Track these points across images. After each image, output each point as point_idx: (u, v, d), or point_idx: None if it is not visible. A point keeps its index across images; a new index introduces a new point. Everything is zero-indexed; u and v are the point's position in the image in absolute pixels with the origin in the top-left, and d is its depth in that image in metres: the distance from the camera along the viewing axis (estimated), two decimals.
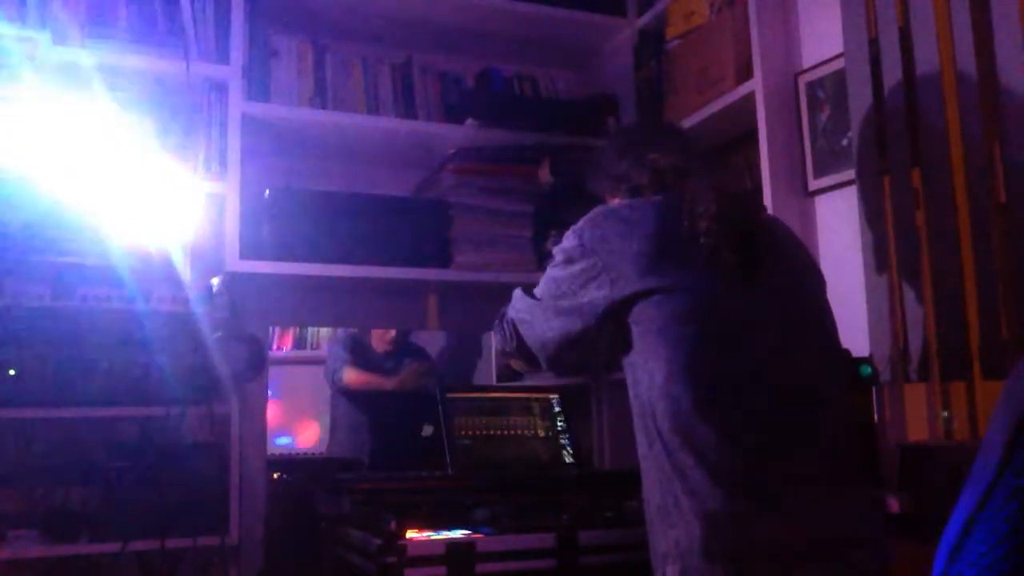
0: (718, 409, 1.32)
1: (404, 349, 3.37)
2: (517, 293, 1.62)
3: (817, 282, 1.55)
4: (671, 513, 1.33)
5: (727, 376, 1.34)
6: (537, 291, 1.56)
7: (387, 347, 3.35)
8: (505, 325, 1.63)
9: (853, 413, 1.53)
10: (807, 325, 1.46)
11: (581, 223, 1.52)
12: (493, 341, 1.72)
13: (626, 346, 1.44)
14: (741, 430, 1.31)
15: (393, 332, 3.33)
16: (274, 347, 3.74)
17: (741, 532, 1.28)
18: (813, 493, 1.33)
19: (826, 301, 1.54)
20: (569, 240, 1.51)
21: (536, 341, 1.55)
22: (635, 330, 1.41)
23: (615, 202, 1.62)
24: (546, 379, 2.84)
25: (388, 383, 3.32)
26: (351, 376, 3.38)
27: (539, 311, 1.53)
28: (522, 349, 1.59)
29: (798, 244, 1.57)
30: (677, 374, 1.33)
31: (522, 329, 1.58)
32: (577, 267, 1.47)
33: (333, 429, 3.44)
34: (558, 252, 1.54)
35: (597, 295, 1.43)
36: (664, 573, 1.34)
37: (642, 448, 1.40)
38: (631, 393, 1.45)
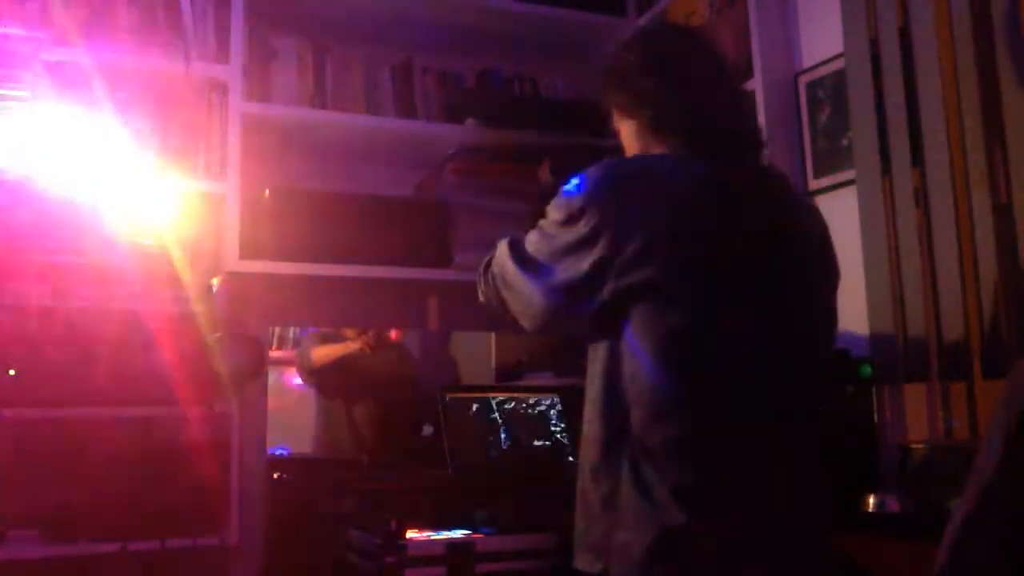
0: (701, 427, 1.24)
1: (379, 343, 3.37)
2: (503, 250, 1.41)
3: (831, 286, 1.42)
4: (623, 512, 1.24)
5: (717, 393, 1.25)
6: (529, 248, 1.36)
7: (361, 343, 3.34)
8: (489, 282, 1.44)
9: (816, 439, 1.36)
10: (805, 346, 1.35)
11: (595, 175, 1.29)
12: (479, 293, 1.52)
13: (613, 328, 1.28)
14: (717, 449, 1.24)
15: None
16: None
17: (697, 551, 1.21)
18: (775, 522, 1.26)
19: (834, 308, 1.43)
20: (575, 195, 1.29)
21: (522, 311, 1.37)
22: (632, 319, 1.25)
23: (637, 155, 1.40)
24: (546, 379, 2.84)
25: (355, 344, 3.29)
26: (320, 353, 3.35)
27: (526, 280, 1.33)
28: (507, 312, 1.41)
29: (822, 240, 1.42)
30: (666, 382, 1.23)
31: (507, 296, 1.39)
32: (580, 231, 1.26)
33: (325, 429, 3.42)
34: (559, 206, 1.31)
35: (598, 275, 1.25)
36: (607, 571, 1.26)
37: (598, 434, 1.29)
38: (600, 373, 1.31)
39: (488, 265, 1.47)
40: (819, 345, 1.39)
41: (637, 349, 1.25)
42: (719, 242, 1.27)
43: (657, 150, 1.39)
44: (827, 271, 1.42)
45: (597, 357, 1.33)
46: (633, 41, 1.47)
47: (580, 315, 1.30)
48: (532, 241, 1.36)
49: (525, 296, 1.35)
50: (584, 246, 1.26)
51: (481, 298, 1.51)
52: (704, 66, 1.43)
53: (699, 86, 1.40)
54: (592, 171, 1.30)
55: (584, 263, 1.26)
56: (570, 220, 1.28)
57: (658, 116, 1.38)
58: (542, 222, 1.35)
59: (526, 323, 1.38)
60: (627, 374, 1.27)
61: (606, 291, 1.25)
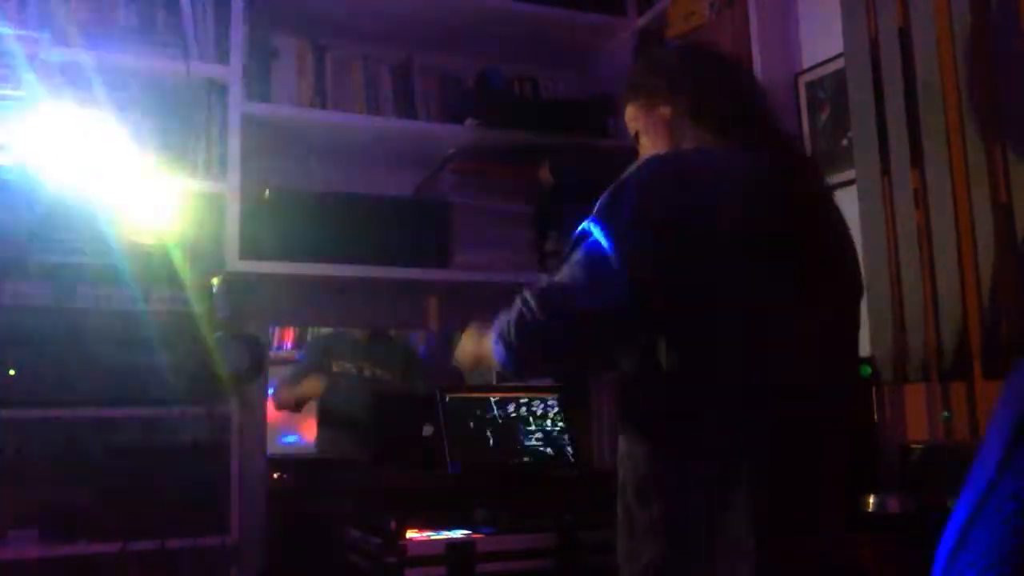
0: (765, 439, 1.17)
1: (380, 337, 3.35)
2: (539, 294, 1.22)
3: (859, 294, 1.37)
4: (680, 535, 1.18)
5: (781, 403, 1.19)
6: (577, 255, 1.21)
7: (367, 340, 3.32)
8: (536, 332, 1.22)
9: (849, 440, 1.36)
10: (849, 347, 1.32)
11: (644, 174, 1.20)
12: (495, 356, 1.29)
13: (657, 332, 1.20)
14: (781, 463, 1.18)
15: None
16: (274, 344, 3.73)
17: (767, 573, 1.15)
18: (829, 531, 1.24)
19: (859, 316, 1.38)
20: (621, 195, 1.19)
21: (565, 330, 1.21)
22: (686, 322, 1.18)
23: (679, 148, 1.31)
24: (546, 379, 2.84)
25: (313, 386, 3.09)
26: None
27: (564, 296, 1.20)
28: (579, 349, 1.28)
29: (851, 244, 1.36)
30: (729, 392, 1.17)
31: (541, 317, 1.20)
32: (637, 230, 1.17)
33: (324, 425, 3.41)
34: (601, 211, 1.20)
35: (655, 275, 1.16)
36: None
37: (642, 450, 1.23)
38: (638, 381, 1.26)
39: (513, 322, 1.23)
40: (856, 345, 1.36)
41: (693, 356, 1.19)
42: (780, 241, 1.21)
43: (692, 139, 1.32)
44: (857, 265, 1.38)
45: (633, 362, 1.26)
46: (659, 45, 1.48)
47: (627, 327, 1.22)
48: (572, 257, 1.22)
49: (572, 307, 1.20)
50: (640, 245, 1.17)
51: (517, 367, 1.27)
52: (734, 62, 1.47)
53: (737, 77, 1.41)
54: (643, 172, 1.22)
55: (642, 263, 1.16)
56: (626, 218, 1.18)
57: (699, 101, 1.32)
58: (597, 216, 1.22)
59: (570, 343, 1.24)
60: (678, 383, 1.20)
61: (662, 293, 1.17)
